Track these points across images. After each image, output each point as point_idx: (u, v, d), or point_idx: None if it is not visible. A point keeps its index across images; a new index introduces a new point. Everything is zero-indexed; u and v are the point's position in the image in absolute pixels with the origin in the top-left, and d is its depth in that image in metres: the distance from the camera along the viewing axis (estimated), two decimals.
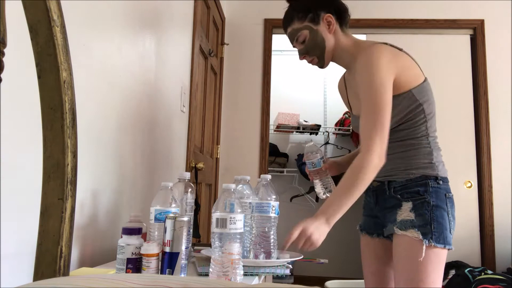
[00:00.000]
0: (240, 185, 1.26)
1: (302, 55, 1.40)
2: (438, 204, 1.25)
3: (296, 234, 1.14)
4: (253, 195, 1.26)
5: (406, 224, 1.25)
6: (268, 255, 1.22)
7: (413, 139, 1.31)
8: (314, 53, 1.38)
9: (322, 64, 1.40)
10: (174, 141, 2.08)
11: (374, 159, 1.17)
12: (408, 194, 1.28)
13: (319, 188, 1.45)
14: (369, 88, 1.23)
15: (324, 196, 1.43)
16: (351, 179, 1.20)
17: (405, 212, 1.26)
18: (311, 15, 1.35)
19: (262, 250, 1.22)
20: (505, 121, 3.12)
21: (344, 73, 1.51)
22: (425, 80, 1.32)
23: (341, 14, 1.39)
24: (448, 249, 1.24)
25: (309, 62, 1.42)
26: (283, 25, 1.42)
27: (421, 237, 1.21)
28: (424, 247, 1.21)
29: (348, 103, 1.52)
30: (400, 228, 1.25)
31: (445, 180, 1.30)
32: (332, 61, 1.42)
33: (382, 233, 1.38)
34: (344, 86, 1.51)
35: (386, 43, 1.31)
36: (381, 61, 1.23)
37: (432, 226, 1.22)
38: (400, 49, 1.32)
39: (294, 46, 1.43)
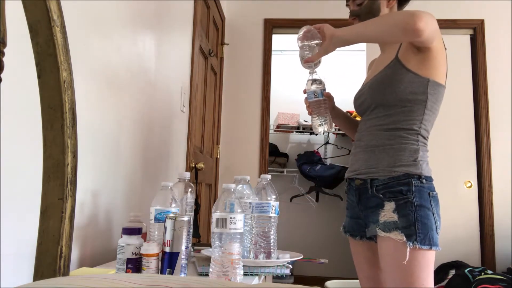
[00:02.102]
0: (240, 185, 1.26)
1: (353, 16, 1.40)
2: (422, 203, 1.20)
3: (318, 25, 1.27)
4: (253, 195, 1.26)
5: (389, 225, 1.20)
6: (268, 255, 1.22)
7: (403, 130, 1.27)
8: (365, 19, 1.36)
9: None
10: (174, 141, 2.07)
11: (418, 16, 1.11)
12: (391, 194, 1.23)
13: (317, 121, 1.37)
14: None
15: (321, 130, 1.37)
16: (382, 17, 1.23)
17: (388, 213, 1.22)
18: None
19: (262, 250, 1.22)
20: (505, 121, 3.12)
21: (376, 58, 1.49)
22: (444, 86, 1.32)
23: None
24: (435, 250, 1.19)
25: None
26: None
27: (405, 239, 1.17)
28: (408, 249, 1.16)
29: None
30: (383, 229, 1.21)
31: (428, 179, 1.25)
32: None
33: (365, 235, 1.34)
34: (370, 66, 1.50)
35: None
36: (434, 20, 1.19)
37: (417, 227, 1.18)
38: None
39: (347, 5, 1.42)
